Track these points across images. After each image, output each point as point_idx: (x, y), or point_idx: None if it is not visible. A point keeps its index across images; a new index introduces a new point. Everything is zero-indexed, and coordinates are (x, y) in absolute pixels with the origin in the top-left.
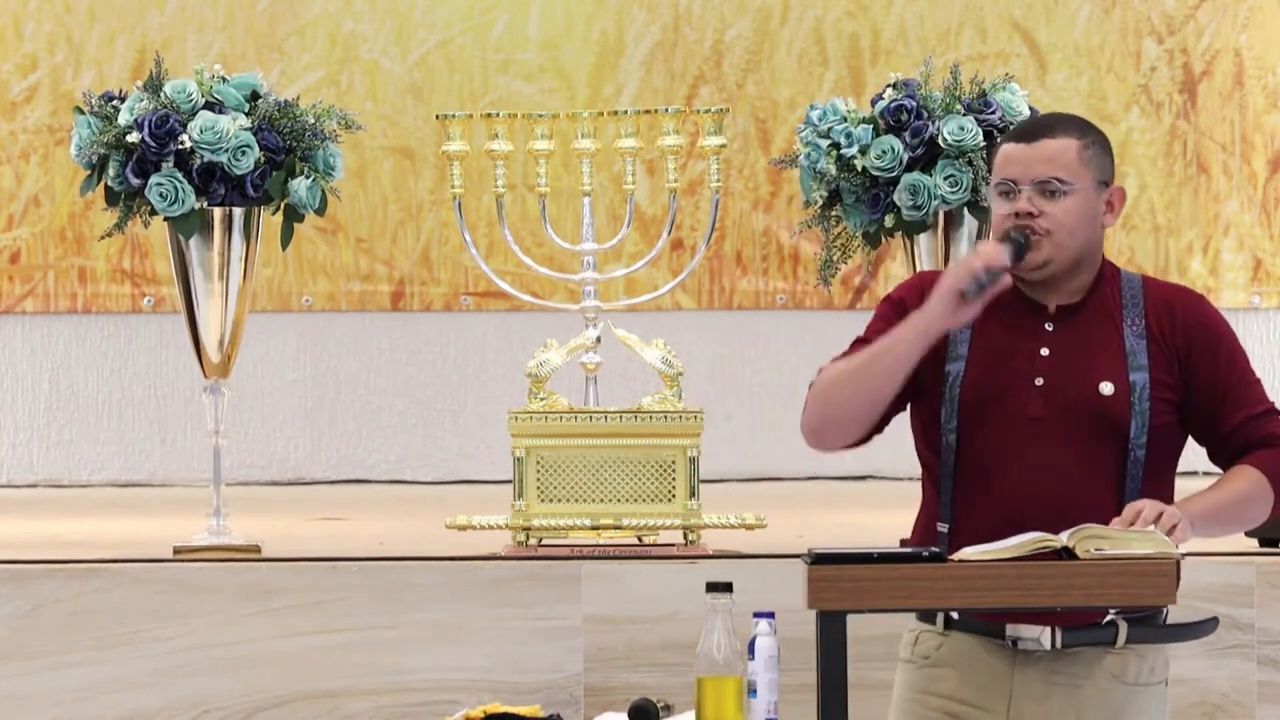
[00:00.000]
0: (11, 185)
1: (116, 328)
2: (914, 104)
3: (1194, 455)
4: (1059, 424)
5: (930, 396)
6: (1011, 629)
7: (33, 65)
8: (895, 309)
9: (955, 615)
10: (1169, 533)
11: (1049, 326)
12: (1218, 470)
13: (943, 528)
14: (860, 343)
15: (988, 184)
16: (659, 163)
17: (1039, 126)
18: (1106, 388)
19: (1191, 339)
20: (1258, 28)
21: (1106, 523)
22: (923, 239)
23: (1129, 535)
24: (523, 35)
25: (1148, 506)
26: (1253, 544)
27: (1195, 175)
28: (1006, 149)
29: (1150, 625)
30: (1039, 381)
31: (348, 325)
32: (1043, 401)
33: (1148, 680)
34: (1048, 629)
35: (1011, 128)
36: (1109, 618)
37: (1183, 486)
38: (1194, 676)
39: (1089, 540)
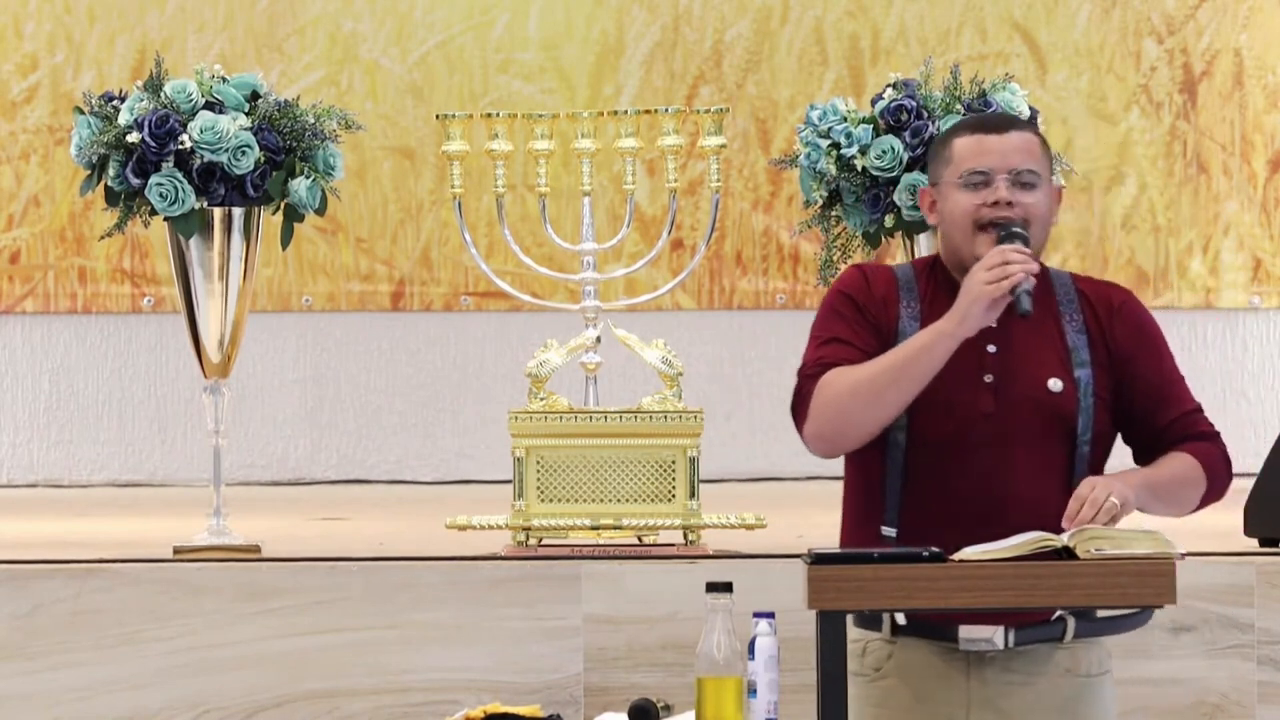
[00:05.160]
0: (11, 185)
1: (116, 328)
2: (914, 104)
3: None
4: (1010, 421)
5: None
6: (965, 630)
7: (33, 65)
8: (851, 306)
9: (902, 621)
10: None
11: (994, 323)
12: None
13: (889, 531)
14: (838, 344)
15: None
16: (659, 163)
17: (1003, 119)
18: (1055, 384)
19: (1131, 338)
20: (1258, 28)
21: (1055, 518)
22: (923, 239)
23: (1129, 535)
24: (523, 35)
25: (1099, 485)
26: (1253, 544)
27: (1195, 175)
28: (975, 139)
29: (1092, 619)
30: (988, 378)
31: (348, 325)
32: (993, 398)
33: (1099, 671)
34: (1000, 628)
35: (959, 122)
36: (1057, 614)
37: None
38: (1194, 676)
39: (1089, 540)
